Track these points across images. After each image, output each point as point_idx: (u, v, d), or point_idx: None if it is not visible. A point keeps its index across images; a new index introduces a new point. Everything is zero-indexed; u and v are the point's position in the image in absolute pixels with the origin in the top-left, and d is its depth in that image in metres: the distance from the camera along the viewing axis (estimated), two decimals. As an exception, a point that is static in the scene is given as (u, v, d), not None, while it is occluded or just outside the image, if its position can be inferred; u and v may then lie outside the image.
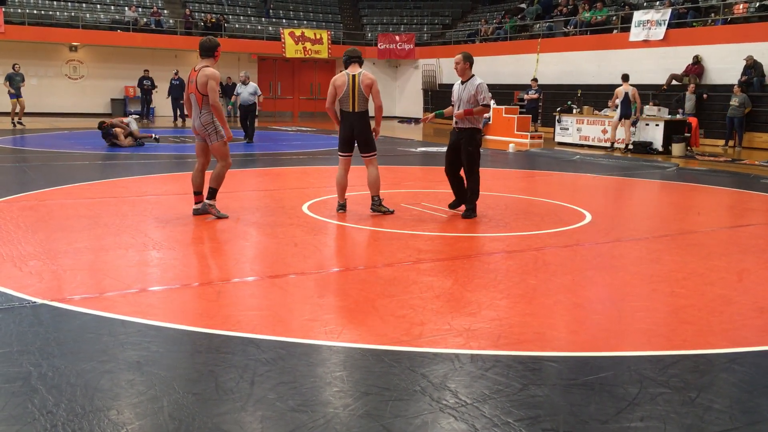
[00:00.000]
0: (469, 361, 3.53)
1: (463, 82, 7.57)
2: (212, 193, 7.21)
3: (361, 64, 7.62)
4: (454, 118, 7.68)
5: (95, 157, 13.14)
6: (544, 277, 5.25)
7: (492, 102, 7.28)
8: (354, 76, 7.45)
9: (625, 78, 16.43)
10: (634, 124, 16.64)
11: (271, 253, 5.90)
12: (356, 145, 7.66)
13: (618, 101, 16.41)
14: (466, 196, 7.73)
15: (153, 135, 16.51)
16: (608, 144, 17.28)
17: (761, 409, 3.09)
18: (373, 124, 7.63)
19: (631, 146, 16.51)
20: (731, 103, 17.28)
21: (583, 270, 5.52)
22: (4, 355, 3.47)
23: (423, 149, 16.74)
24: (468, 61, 7.55)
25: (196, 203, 7.36)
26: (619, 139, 16.99)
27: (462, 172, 7.86)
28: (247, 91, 16.66)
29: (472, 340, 3.84)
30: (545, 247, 6.24)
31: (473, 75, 7.57)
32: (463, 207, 7.82)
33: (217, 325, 3.99)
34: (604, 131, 17.61)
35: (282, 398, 3.07)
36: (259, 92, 17.01)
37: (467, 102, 7.46)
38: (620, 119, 16.63)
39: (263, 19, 31.18)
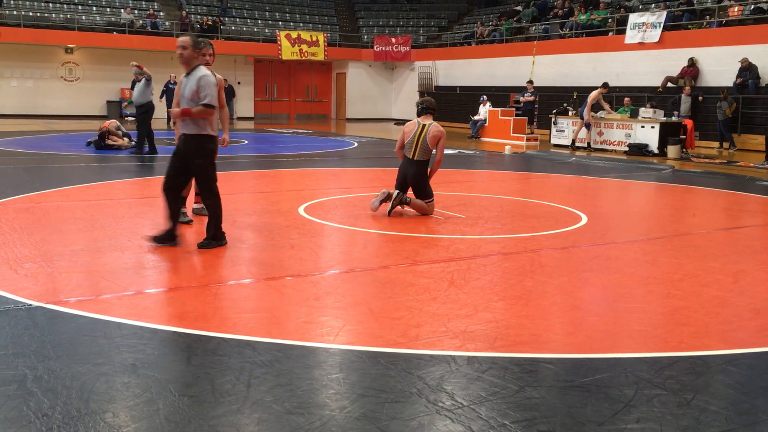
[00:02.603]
0: (465, 363, 3.53)
1: (187, 75, 5.96)
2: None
3: (434, 116, 7.98)
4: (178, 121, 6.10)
5: (91, 159, 13.12)
6: (541, 279, 5.25)
7: (210, 100, 5.78)
8: (424, 125, 7.84)
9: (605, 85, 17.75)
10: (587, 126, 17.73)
11: (268, 255, 5.89)
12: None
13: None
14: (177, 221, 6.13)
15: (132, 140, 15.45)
16: (577, 144, 18.24)
17: (757, 411, 3.10)
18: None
19: (580, 144, 17.97)
20: (717, 105, 17.37)
21: (579, 272, 5.52)
22: (0, 358, 3.46)
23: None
24: (197, 48, 5.96)
25: (195, 203, 7.31)
26: (580, 139, 18.10)
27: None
28: (137, 89, 13.70)
29: (469, 342, 3.84)
30: (541, 249, 6.24)
31: (198, 66, 5.96)
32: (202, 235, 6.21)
33: (213, 328, 3.99)
34: (600, 133, 17.66)
35: (278, 401, 3.06)
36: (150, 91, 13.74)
37: (190, 100, 5.85)
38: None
39: (223, 18, 30.95)
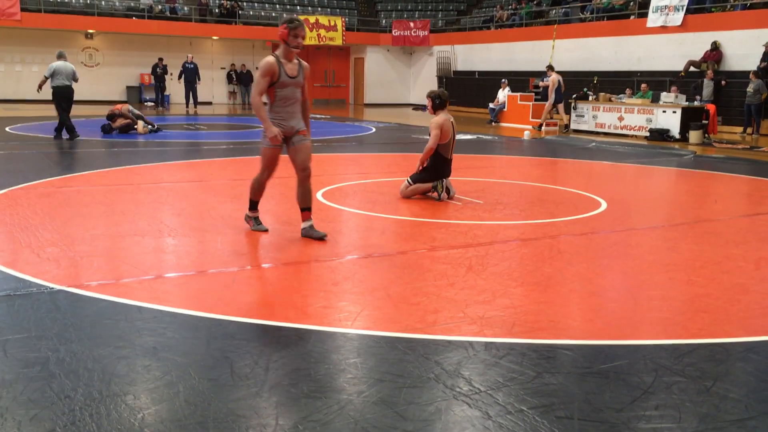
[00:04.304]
0: (483, 349, 3.53)
1: None
2: (250, 204, 6.22)
3: None
4: None
5: (111, 145, 13.21)
6: (559, 265, 5.23)
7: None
8: (453, 122, 7.88)
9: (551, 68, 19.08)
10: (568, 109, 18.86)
11: (286, 240, 5.91)
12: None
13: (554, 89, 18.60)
14: None
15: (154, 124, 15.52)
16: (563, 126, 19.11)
17: (778, 399, 3.07)
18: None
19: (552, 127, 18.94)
20: (747, 89, 17.09)
21: (599, 258, 5.49)
22: (23, 341, 3.52)
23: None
24: None
25: (304, 221, 5.95)
26: (551, 122, 19.31)
27: None
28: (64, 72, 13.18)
29: (486, 328, 3.83)
30: (560, 235, 6.21)
31: None
32: None
33: (232, 312, 4.02)
34: (620, 118, 17.48)
35: (296, 384, 3.09)
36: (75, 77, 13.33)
37: None
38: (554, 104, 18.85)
39: (241, 2, 31.01)
